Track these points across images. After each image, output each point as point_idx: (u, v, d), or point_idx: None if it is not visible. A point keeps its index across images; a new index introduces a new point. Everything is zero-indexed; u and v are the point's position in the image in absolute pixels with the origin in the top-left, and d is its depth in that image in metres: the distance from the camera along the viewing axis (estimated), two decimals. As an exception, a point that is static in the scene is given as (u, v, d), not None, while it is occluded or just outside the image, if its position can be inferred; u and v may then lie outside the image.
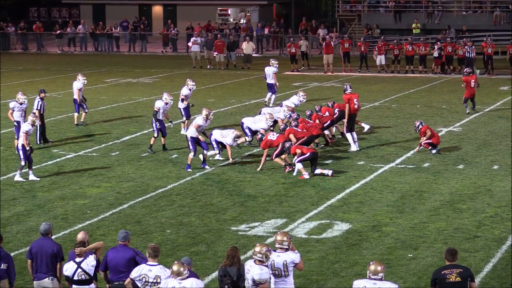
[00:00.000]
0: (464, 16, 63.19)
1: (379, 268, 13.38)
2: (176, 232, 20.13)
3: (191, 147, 26.51)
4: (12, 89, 44.37)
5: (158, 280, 13.75)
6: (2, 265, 14.83)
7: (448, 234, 19.89)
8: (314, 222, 21.03)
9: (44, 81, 48.26)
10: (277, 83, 38.57)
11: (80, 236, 15.07)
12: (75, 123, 33.35)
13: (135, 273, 13.96)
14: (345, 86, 29.61)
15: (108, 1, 77.35)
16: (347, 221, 21.04)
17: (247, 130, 28.86)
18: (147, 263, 14.07)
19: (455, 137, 30.82)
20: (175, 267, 13.45)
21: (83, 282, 14.50)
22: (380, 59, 51.35)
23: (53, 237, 15.52)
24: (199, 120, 26.93)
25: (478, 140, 30.28)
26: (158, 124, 28.56)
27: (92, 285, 14.51)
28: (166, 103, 28.85)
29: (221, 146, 27.47)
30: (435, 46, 51.24)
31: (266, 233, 20.16)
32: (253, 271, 13.79)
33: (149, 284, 13.80)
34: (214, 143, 27.49)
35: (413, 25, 61.87)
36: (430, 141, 27.88)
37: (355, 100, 28.62)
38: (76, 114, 33.52)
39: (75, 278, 14.44)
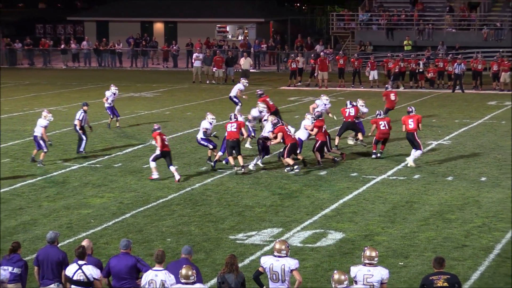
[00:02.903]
0: (454, 34, 63.31)
1: (373, 253, 13.97)
2: (176, 240, 20.17)
3: (205, 144, 28.09)
4: (19, 103, 44.52)
5: (164, 285, 13.81)
6: (16, 269, 14.94)
7: (438, 243, 19.95)
8: (309, 231, 21.08)
9: (50, 95, 48.35)
10: (238, 98, 39.36)
11: (85, 243, 15.14)
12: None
13: (143, 280, 14.04)
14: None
15: (111, 18, 77.49)
16: (340, 230, 21.09)
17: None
18: (153, 268, 14.12)
19: (444, 150, 30.90)
20: (183, 271, 13.51)
21: (82, 284, 14.46)
22: (373, 75, 51.51)
23: (58, 245, 15.55)
24: (205, 123, 28.14)
25: (467, 152, 30.36)
26: (206, 141, 28.56)
27: None
28: (210, 123, 28.65)
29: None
30: (420, 62, 51.60)
31: (263, 241, 20.20)
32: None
33: (157, 287, 13.86)
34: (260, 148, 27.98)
35: (405, 42, 62.01)
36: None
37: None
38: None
39: (75, 278, 14.43)
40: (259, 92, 36.08)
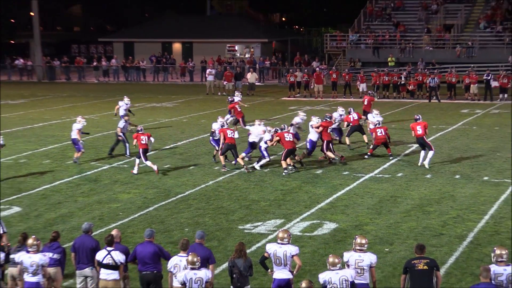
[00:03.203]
0: (431, 51, 63.26)
1: (363, 241, 14.00)
2: (193, 230, 20.09)
3: (215, 145, 28.60)
4: (57, 112, 44.53)
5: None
6: (56, 255, 14.95)
7: (418, 232, 19.89)
8: (307, 222, 21.03)
9: (84, 105, 48.34)
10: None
11: (114, 233, 15.14)
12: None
13: (169, 264, 14.04)
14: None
15: (136, 39, 77.51)
16: (334, 221, 21.04)
17: (265, 153, 27.92)
18: (178, 254, 14.11)
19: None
20: (190, 258, 13.46)
21: (110, 267, 14.47)
22: (362, 87, 51.45)
23: (92, 234, 15.53)
24: (215, 125, 28.55)
25: (443, 154, 30.29)
26: (214, 141, 28.72)
27: (117, 272, 14.52)
28: (222, 126, 28.65)
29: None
30: (402, 76, 51.70)
31: (267, 231, 20.15)
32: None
33: (181, 271, 13.83)
34: (264, 152, 27.69)
35: (389, 59, 61.95)
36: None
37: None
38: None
39: (104, 262, 14.47)
40: (230, 99, 36.21)
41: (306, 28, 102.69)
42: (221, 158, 27.88)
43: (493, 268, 13.26)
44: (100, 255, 14.55)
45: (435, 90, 49.41)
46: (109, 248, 14.55)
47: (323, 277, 13.20)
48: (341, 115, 32.31)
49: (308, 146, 28.55)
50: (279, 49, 77.24)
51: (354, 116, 31.75)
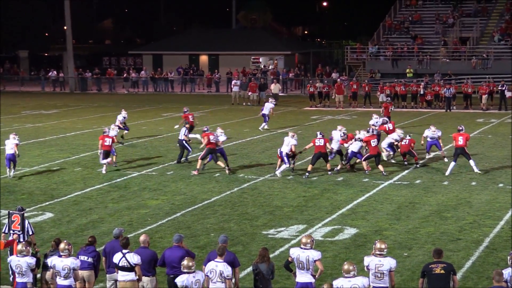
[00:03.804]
0: (448, 63, 63.02)
1: (383, 246, 13.90)
2: (218, 235, 19.97)
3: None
4: (89, 121, 44.67)
5: (223, 274, 13.74)
6: (90, 259, 15.00)
7: (436, 237, 19.76)
8: (329, 227, 20.95)
9: (114, 115, 48.10)
10: (270, 114, 40.82)
11: (142, 238, 15.11)
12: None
13: (206, 269, 13.98)
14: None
15: (165, 52, 77.69)
16: (354, 226, 20.95)
17: (285, 158, 27.89)
18: (215, 259, 14.02)
19: (441, 159, 30.63)
20: (185, 262, 13.55)
21: (126, 269, 14.47)
22: (382, 97, 51.30)
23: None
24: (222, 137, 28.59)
25: (460, 162, 30.03)
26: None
27: (133, 273, 14.51)
28: (219, 135, 28.74)
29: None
30: (421, 86, 51.53)
31: (290, 236, 20.08)
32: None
33: (216, 275, 13.80)
34: (285, 158, 27.59)
35: (407, 70, 61.76)
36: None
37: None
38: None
39: (120, 264, 14.50)
40: (185, 110, 36.44)
41: (327, 41, 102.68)
42: (199, 162, 28.32)
43: (509, 270, 13.19)
44: (116, 258, 14.60)
45: (449, 100, 49.30)
46: (124, 251, 14.58)
47: (336, 284, 13.13)
48: (377, 122, 31.93)
49: (349, 156, 28.55)
50: (302, 61, 77.20)
51: (389, 126, 31.64)
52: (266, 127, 40.39)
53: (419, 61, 63.65)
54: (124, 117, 37.20)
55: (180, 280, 13.49)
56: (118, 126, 33.72)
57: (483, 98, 49.70)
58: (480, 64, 61.92)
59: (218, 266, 13.85)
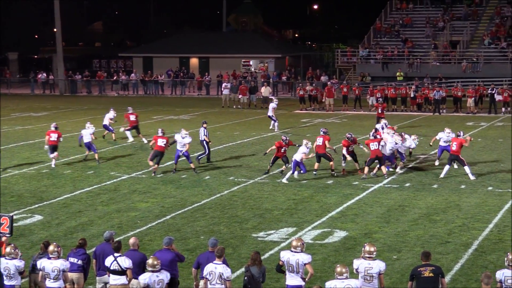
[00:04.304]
0: (438, 66, 63.17)
1: (372, 248, 13.95)
2: (208, 238, 20.00)
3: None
4: (79, 124, 44.51)
5: (223, 276, 13.78)
6: (80, 261, 15.01)
7: (425, 240, 19.83)
8: (318, 230, 20.99)
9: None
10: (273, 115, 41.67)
11: (132, 240, 15.12)
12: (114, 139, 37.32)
13: (204, 271, 13.98)
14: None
15: (155, 54, 77.66)
16: (344, 229, 21.00)
17: (292, 166, 27.68)
18: (214, 261, 14.02)
19: (430, 162, 30.73)
20: (150, 261, 13.74)
21: (117, 273, 14.49)
22: (372, 100, 51.40)
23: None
24: (178, 137, 28.98)
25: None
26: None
27: (124, 277, 14.53)
28: (183, 137, 28.94)
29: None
30: (411, 90, 51.63)
31: (280, 239, 20.12)
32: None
33: (216, 277, 13.83)
34: (294, 165, 27.54)
35: (397, 73, 61.88)
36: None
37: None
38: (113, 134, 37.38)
39: (111, 268, 14.52)
40: (128, 109, 38.96)
41: (318, 44, 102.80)
42: (150, 163, 28.97)
43: (504, 271, 13.30)
44: (108, 262, 14.61)
45: (438, 103, 49.49)
46: (116, 254, 14.59)
47: (329, 285, 13.17)
48: (448, 136, 29.49)
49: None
50: (292, 64, 77.26)
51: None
52: (276, 126, 41.36)
53: (409, 64, 63.78)
54: (113, 116, 37.87)
55: (142, 278, 13.66)
56: (105, 125, 35.65)
57: (469, 101, 49.86)
58: (470, 68, 62.11)
59: (217, 268, 13.88)
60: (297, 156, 27.27)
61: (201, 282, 14.06)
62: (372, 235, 20.41)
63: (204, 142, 30.74)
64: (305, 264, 14.17)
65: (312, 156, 28.06)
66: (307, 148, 27.40)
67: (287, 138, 28.56)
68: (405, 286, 15.42)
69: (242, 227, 21.34)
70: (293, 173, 27.55)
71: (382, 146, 28.01)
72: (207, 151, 30.84)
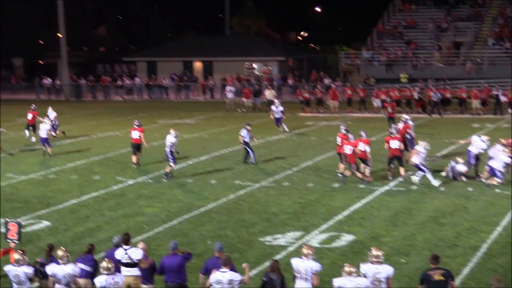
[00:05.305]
0: (442, 68, 63.10)
1: (379, 253, 13.88)
2: (215, 242, 20.03)
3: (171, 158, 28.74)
4: (84, 129, 44.61)
5: (232, 284, 13.76)
6: (88, 267, 15.01)
7: (433, 243, 19.75)
8: (325, 234, 20.92)
9: (109, 123, 48.41)
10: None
11: (141, 246, 15.13)
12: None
13: (211, 279, 13.94)
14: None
15: (159, 58, 77.63)
16: (351, 233, 20.92)
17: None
18: (220, 270, 13.94)
19: (437, 164, 30.61)
20: (104, 264, 13.81)
21: (129, 265, 14.62)
22: (377, 102, 51.31)
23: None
24: (170, 138, 28.76)
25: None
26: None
27: (136, 269, 14.56)
28: (175, 137, 29.03)
29: None
30: (415, 91, 51.51)
31: (287, 243, 20.05)
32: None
33: (225, 284, 13.81)
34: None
35: (401, 75, 61.82)
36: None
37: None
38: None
39: (123, 261, 14.65)
40: (32, 107, 40.01)
41: (321, 46, 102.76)
42: (133, 158, 31.00)
43: None
44: (118, 254, 14.73)
45: (437, 105, 49.37)
46: (125, 247, 14.70)
47: (338, 282, 13.12)
48: (486, 145, 28.34)
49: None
50: (296, 66, 77.22)
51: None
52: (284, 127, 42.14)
53: (413, 66, 63.72)
54: (54, 116, 39.24)
55: (98, 280, 13.76)
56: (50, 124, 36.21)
57: (474, 103, 49.75)
58: (474, 69, 62.02)
59: (225, 276, 13.81)
60: (415, 159, 26.86)
61: None
62: (379, 238, 20.32)
63: (247, 143, 31.28)
64: (313, 272, 14.10)
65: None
66: (425, 149, 27.12)
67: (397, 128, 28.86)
68: (414, 290, 15.36)
69: (249, 232, 21.27)
70: (425, 173, 26.93)
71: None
72: (251, 152, 31.36)
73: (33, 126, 38.40)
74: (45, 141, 34.32)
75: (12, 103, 63.44)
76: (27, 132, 38.92)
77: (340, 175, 27.62)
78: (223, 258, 14.08)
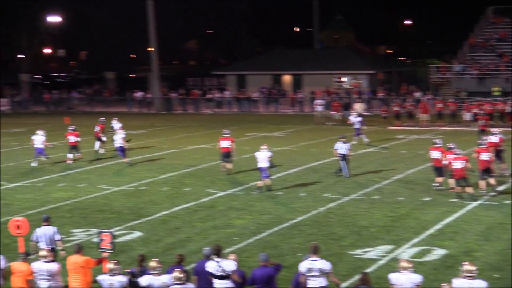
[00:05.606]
0: (537, 81, 61.93)
1: (473, 268, 13.69)
2: (305, 255, 19.99)
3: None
4: (175, 142, 45.11)
5: (322, 272, 14.21)
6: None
7: (528, 259, 19.35)
8: (417, 248, 20.67)
9: (199, 135, 48.87)
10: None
11: (232, 257, 15.22)
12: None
13: (302, 268, 14.46)
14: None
15: (248, 72, 78.08)
16: (443, 247, 20.62)
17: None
18: (310, 258, 14.56)
19: (530, 179, 30.03)
20: (175, 274, 14.02)
21: (222, 277, 14.73)
22: (468, 116, 50.61)
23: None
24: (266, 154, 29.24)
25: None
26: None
27: (228, 281, 14.70)
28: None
29: None
30: (508, 105, 50.66)
31: (378, 256, 19.87)
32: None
33: (313, 272, 14.06)
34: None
35: (493, 88, 60.82)
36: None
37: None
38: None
39: (216, 273, 14.77)
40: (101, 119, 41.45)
41: (411, 60, 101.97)
42: (225, 164, 31.98)
43: None
44: (211, 267, 14.84)
45: None
46: (217, 259, 14.86)
47: (456, 283, 13.38)
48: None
49: None
50: (385, 80, 76.73)
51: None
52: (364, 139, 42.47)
53: (506, 79, 62.63)
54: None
55: (143, 280, 14.50)
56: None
57: None
58: None
59: (315, 264, 14.50)
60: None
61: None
62: (472, 253, 19.98)
63: (343, 156, 31.24)
64: (416, 284, 14.04)
65: None
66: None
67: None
68: (508, 306, 15.05)
69: (339, 245, 21.16)
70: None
71: None
72: (345, 165, 31.39)
73: (99, 139, 39.82)
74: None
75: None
76: (97, 144, 39.94)
77: (438, 187, 27.49)
78: (312, 246, 14.34)
